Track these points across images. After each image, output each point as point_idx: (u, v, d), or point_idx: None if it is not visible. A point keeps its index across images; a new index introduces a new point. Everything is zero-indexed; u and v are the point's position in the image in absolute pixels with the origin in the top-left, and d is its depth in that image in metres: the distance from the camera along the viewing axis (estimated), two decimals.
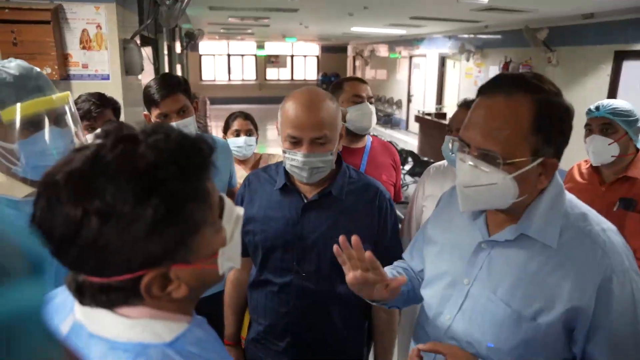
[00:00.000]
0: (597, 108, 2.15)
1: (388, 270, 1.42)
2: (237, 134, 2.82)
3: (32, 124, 1.29)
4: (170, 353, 0.69)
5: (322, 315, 1.60)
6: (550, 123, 1.03)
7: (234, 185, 2.45)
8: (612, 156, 2.12)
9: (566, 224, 1.08)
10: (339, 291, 1.59)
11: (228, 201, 0.81)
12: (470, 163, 1.07)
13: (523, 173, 1.03)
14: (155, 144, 0.67)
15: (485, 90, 1.09)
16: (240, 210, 0.85)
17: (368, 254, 1.15)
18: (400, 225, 2.10)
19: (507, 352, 1.08)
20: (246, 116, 2.91)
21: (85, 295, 0.70)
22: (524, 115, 1.02)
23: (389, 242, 1.64)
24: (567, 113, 1.05)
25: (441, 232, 1.32)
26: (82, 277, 0.69)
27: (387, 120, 15.28)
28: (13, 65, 1.29)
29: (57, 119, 1.35)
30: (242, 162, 2.84)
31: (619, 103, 2.15)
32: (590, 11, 6.99)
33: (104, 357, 0.67)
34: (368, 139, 2.38)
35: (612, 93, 6.92)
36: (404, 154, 7.78)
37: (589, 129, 2.19)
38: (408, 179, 7.43)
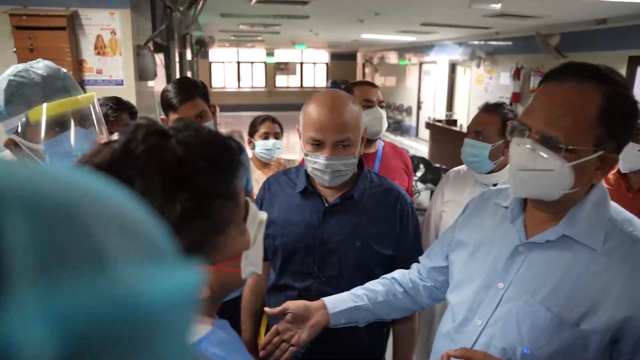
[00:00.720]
0: None
1: (371, 283, 1.46)
2: (266, 136, 2.84)
3: (58, 124, 1.30)
4: None
5: None
6: (617, 117, 1.00)
7: (250, 190, 2.44)
8: None
9: (612, 229, 1.04)
10: None
11: (252, 205, 0.80)
12: (529, 146, 1.03)
13: (582, 163, 0.99)
14: (186, 139, 0.67)
15: (554, 75, 1.05)
16: (263, 215, 0.83)
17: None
18: None
19: (544, 359, 1.04)
20: (274, 119, 2.95)
21: None
22: (592, 104, 0.98)
23: (410, 247, 1.61)
24: (635, 109, 1.02)
25: (471, 236, 1.29)
26: None
27: (397, 127, 15.26)
28: (41, 66, 1.30)
29: (82, 119, 1.36)
30: (265, 165, 2.85)
31: None
32: (603, 16, 6.95)
33: None
34: (380, 144, 2.36)
35: None
36: (415, 161, 7.75)
37: None
38: (420, 185, 7.39)
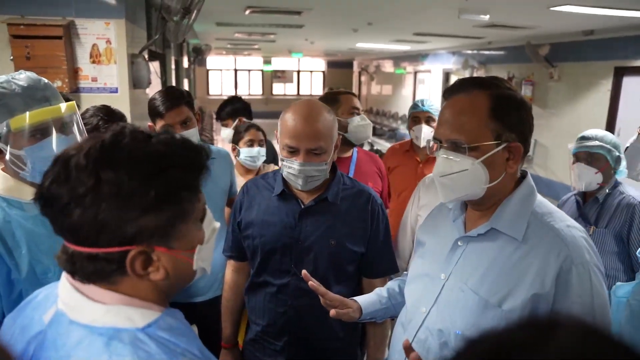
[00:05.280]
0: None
1: (379, 289, 1.61)
2: (251, 144, 2.90)
3: (40, 131, 1.38)
4: (141, 337, 0.76)
5: (318, 315, 1.66)
6: (507, 111, 1.15)
7: (235, 193, 2.52)
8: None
9: (533, 220, 1.17)
10: (334, 291, 1.66)
11: (209, 211, 0.91)
12: (444, 155, 1.19)
13: (489, 157, 1.14)
14: (165, 139, 0.80)
15: (448, 93, 1.23)
16: (217, 224, 0.95)
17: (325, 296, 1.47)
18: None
19: None
20: (258, 127, 3.02)
21: (76, 265, 0.78)
22: (481, 106, 1.15)
23: (381, 245, 1.72)
24: (521, 104, 1.17)
25: (427, 236, 1.42)
26: (71, 249, 0.77)
27: (392, 135, 15.36)
28: (22, 77, 1.38)
29: (63, 126, 1.44)
30: (249, 172, 2.93)
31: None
32: (590, 28, 7.08)
33: (81, 341, 0.75)
34: (354, 150, 2.46)
35: (613, 108, 6.99)
36: None
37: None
38: None
